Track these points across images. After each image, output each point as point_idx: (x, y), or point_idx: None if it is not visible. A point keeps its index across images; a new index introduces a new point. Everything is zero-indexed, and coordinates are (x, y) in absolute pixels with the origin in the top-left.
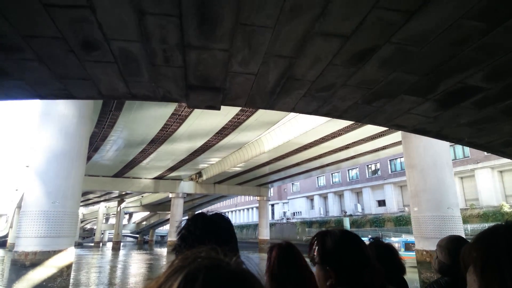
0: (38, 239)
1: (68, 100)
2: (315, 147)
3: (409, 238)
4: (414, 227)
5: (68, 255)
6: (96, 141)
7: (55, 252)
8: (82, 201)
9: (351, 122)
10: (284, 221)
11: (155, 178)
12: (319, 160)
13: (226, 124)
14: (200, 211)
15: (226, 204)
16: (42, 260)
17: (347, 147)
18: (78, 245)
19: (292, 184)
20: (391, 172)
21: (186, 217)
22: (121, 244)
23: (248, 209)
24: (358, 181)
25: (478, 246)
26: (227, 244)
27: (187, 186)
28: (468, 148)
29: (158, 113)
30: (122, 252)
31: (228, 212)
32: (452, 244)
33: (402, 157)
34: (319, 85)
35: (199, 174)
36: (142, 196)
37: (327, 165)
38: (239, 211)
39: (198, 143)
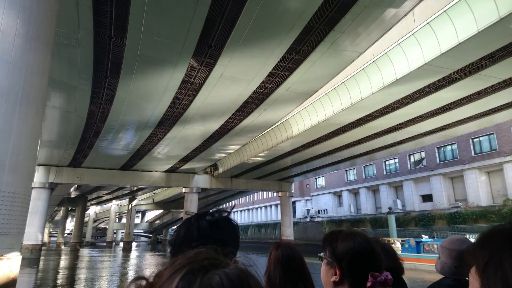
0: None
1: (7, 7)
2: (357, 129)
3: None
4: None
5: (8, 266)
6: (95, 123)
7: None
8: (93, 199)
9: (415, 89)
10: (308, 219)
11: (166, 171)
12: (349, 150)
13: (249, 97)
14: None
15: (242, 201)
16: None
17: (397, 127)
18: (91, 244)
19: (316, 178)
20: (440, 161)
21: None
22: (134, 244)
23: (266, 207)
24: (398, 173)
25: (481, 245)
26: (229, 245)
27: (202, 180)
28: (495, 140)
29: (165, 80)
30: (133, 254)
31: (244, 210)
32: (455, 245)
33: (454, 143)
34: None
35: (215, 166)
36: (154, 193)
37: (361, 155)
38: (256, 209)
39: (214, 125)
